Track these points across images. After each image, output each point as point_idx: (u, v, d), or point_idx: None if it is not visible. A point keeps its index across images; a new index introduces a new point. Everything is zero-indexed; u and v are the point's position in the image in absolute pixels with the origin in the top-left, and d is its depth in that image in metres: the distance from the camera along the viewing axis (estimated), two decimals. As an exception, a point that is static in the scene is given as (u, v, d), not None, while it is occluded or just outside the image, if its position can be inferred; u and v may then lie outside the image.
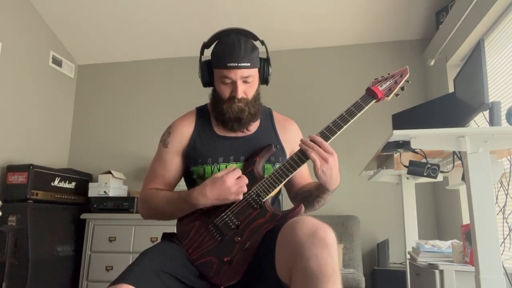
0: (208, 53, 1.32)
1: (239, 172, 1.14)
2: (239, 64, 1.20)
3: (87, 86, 3.99)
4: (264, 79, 1.32)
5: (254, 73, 1.25)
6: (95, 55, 3.94)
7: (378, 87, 1.28)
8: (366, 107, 1.23)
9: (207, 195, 1.12)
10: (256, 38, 1.29)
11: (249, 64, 1.21)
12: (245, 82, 1.24)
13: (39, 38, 3.51)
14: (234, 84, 1.23)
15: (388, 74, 1.34)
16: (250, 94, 1.27)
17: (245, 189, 1.13)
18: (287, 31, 3.43)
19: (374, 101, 1.25)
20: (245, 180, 1.13)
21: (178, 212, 1.22)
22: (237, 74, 1.21)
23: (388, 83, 1.29)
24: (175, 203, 1.20)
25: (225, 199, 1.13)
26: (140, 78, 3.91)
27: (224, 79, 1.23)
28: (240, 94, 1.23)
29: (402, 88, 1.31)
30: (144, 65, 3.93)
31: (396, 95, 1.30)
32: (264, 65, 1.30)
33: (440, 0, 3.03)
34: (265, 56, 1.31)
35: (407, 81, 1.32)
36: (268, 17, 3.29)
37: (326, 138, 1.16)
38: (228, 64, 1.20)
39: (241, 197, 1.14)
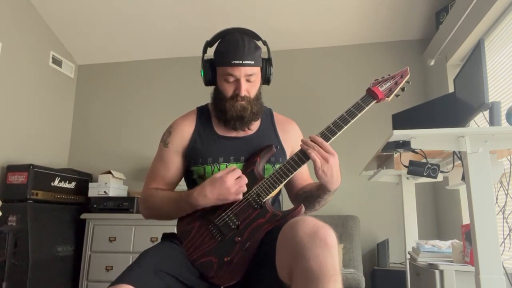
0: (209, 52, 1.32)
1: (238, 172, 1.14)
2: (243, 62, 1.21)
3: (87, 86, 3.99)
4: (266, 79, 1.33)
5: (257, 71, 1.27)
6: (95, 55, 3.94)
7: (379, 87, 1.28)
8: (367, 108, 1.23)
9: (207, 195, 1.13)
10: (258, 38, 1.30)
11: (253, 62, 1.23)
12: (248, 80, 1.25)
13: (39, 38, 3.51)
14: (237, 82, 1.24)
15: (389, 75, 1.34)
16: (253, 93, 1.27)
17: (245, 189, 1.14)
18: (286, 31, 3.43)
19: (374, 101, 1.25)
20: (245, 180, 1.14)
21: (178, 212, 1.22)
22: (241, 72, 1.22)
23: (389, 84, 1.30)
24: (175, 203, 1.20)
25: (225, 199, 1.13)
26: (140, 78, 3.91)
27: (227, 76, 1.24)
28: (243, 92, 1.24)
29: (402, 89, 1.32)
30: (144, 65, 3.93)
31: (397, 95, 1.31)
32: (266, 65, 1.31)
33: (440, 0, 3.03)
34: (266, 56, 1.32)
35: (407, 81, 1.32)
36: (268, 17, 3.29)
37: (327, 139, 1.16)
38: (233, 62, 1.21)
39: (240, 196, 1.14)
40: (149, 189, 1.30)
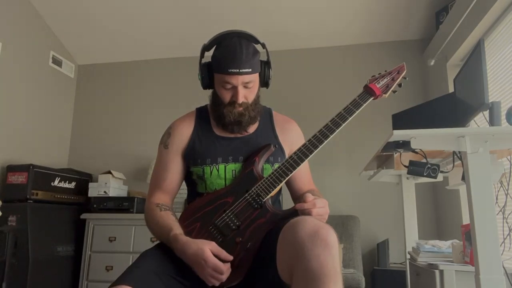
0: (207, 54, 1.31)
1: (226, 268, 1.06)
2: (240, 70, 1.19)
3: (87, 86, 3.99)
4: (264, 83, 1.32)
5: (255, 78, 1.25)
6: (95, 55, 3.93)
7: (376, 84, 1.28)
8: (364, 105, 1.23)
9: (186, 258, 1.07)
10: (257, 41, 1.28)
11: (250, 70, 1.21)
12: (245, 87, 1.24)
13: (39, 38, 3.51)
14: (234, 89, 1.23)
15: (385, 71, 1.34)
16: (250, 99, 1.27)
17: (217, 283, 1.05)
18: (287, 31, 3.43)
19: (371, 98, 1.25)
20: (225, 273, 1.05)
21: (166, 243, 1.18)
22: (238, 80, 1.21)
23: (386, 80, 1.30)
24: (163, 235, 1.17)
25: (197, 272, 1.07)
26: (140, 78, 3.91)
27: (224, 84, 1.23)
28: (241, 99, 1.23)
29: (399, 85, 1.32)
30: (144, 65, 3.92)
31: (394, 91, 1.30)
32: (264, 69, 1.29)
33: (440, 0, 3.03)
34: (265, 59, 1.30)
35: (404, 77, 1.32)
36: (268, 17, 3.29)
37: (325, 137, 1.17)
38: (229, 70, 1.19)
39: (215, 283, 1.06)
40: (150, 203, 1.26)
